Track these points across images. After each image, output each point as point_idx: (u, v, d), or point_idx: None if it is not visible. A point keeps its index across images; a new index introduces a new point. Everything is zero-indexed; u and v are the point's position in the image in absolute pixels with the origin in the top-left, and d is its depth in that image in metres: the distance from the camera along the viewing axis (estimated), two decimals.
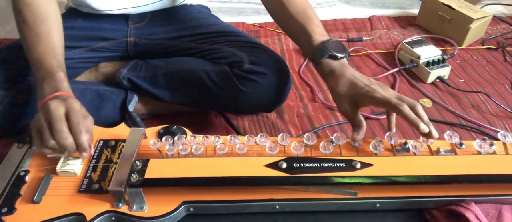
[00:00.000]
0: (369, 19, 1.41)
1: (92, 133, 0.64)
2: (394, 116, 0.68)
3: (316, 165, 0.60)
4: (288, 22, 0.76)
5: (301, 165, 0.60)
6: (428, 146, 0.67)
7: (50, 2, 0.72)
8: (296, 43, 0.79)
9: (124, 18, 0.91)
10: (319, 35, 0.71)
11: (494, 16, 1.33)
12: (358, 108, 0.68)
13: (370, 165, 0.60)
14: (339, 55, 0.69)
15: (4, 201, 0.60)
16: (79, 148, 0.61)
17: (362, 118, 0.67)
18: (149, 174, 0.59)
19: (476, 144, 0.64)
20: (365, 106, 0.67)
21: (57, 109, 0.59)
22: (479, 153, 0.64)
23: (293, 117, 0.95)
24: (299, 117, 0.95)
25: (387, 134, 0.67)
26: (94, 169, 0.65)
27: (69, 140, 0.59)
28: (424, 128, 0.61)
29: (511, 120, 0.95)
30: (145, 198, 0.60)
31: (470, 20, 1.18)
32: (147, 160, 0.61)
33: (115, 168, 0.62)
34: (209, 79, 0.81)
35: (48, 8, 0.71)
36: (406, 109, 0.62)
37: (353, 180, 0.59)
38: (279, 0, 0.75)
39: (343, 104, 0.68)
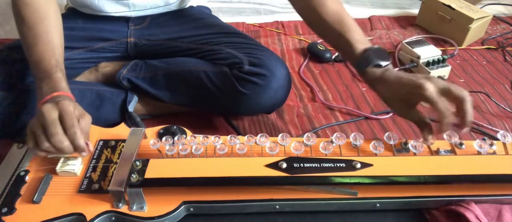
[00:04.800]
0: (369, 19, 1.41)
1: (88, 132, 0.63)
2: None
3: (316, 165, 0.60)
4: (326, 32, 0.74)
5: (301, 165, 0.60)
6: (428, 146, 0.67)
7: (50, 2, 0.72)
8: (338, 52, 0.76)
9: (124, 19, 0.91)
10: (361, 43, 0.70)
11: (494, 16, 1.32)
12: (414, 107, 0.66)
13: (370, 165, 0.60)
14: (384, 63, 0.68)
15: (4, 201, 0.60)
16: (76, 149, 0.60)
17: (422, 115, 0.66)
18: (149, 174, 0.59)
19: (476, 144, 0.64)
20: (418, 102, 0.65)
21: (50, 113, 0.59)
22: (479, 153, 0.64)
23: (293, 117, 0.95)
24: (299, 117, 0.95)
25: (386, 134, 0.67)
26: (94, 169, 0.65)
27: (65, 143, 0.59)
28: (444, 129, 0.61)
29: (511, 120, 0.95)
30: (145, 198, 0.60)
31: (470, 20, 1.18)
32: (147, 160, 0.61)
33: (115, 168, 0.63)
34: (208, 80, 0.81)
35: (48, 8, 0.71)
36: (443, 108, 0.60)
37: (353, 180, 0.59)
38: (314, 11, 0.73)
39: (398, 107, 0.68)
